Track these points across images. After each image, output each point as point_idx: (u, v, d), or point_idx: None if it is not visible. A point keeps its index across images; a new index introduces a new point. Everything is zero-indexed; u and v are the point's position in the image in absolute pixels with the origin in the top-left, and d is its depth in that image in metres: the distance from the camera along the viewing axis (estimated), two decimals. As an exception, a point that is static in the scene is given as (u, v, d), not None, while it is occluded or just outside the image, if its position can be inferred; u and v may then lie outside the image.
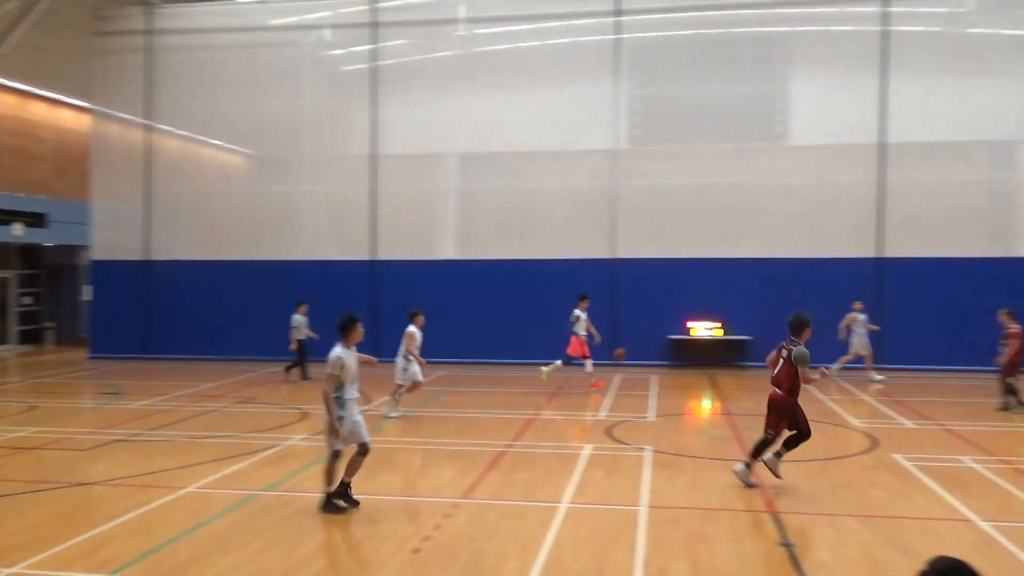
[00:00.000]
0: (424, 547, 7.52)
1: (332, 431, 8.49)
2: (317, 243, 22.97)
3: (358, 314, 8.97)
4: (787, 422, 9.46)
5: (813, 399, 15.99)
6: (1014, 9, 20.29)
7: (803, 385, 9.38)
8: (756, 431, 12.80)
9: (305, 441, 12.09)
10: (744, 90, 21.04)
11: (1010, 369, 14.48)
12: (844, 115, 20.55)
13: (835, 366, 18.24)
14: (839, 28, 20.89)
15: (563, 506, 8.78)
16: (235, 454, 11.17)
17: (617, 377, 19.07)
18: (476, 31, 22.58)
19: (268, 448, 11.59)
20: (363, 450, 8.67)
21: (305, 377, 18.15)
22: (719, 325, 20.59)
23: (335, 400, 8.50)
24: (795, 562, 7.13)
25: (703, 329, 20.66)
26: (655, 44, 21.88)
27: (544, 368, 17.21)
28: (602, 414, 14.48)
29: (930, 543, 7.53)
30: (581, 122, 21.39)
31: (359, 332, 8.79)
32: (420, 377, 14.16)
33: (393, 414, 14.01)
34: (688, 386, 17.89)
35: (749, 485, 9.42)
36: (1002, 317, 14.70)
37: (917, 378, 18.79)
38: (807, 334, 9.52)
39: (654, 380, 18.61)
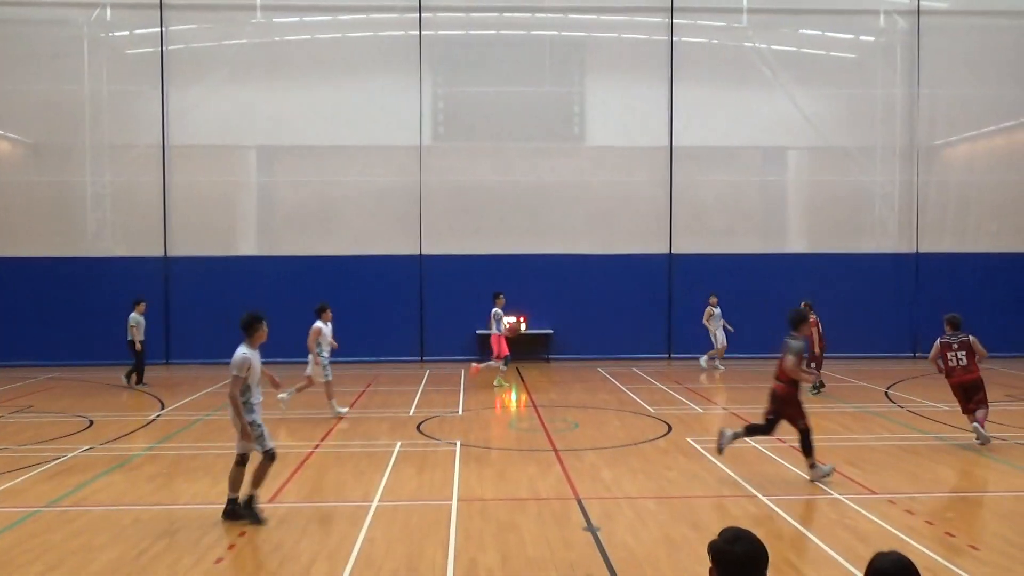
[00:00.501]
0: (228, 556, 7.19)
1: (245, 435, 8.12)
2: (101, 238, 21.32)
3: (262, 312, 8.42)
4: (788, 413, 9.63)
5: (613, 388, 16.79)
6: (782, 27, 22.27)
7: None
8: (562, 422, 13.31)
9: (91, 452, 11.20)
10: (545, 91, 21.68)
11: (817, 356, 15.89)
12: (637, 119, 21.69)
13: (704, 358, 19.78)
14: (631, 36, 22.05)
15: (374, 505, 8.68)
16: (10, 468, 10.18)
17: (426, 373, 19.11)
18: (274, 20, 21.81)
19: (48, 461, 10.63)
20: (270, 456, 8.25)
21: (140, 381, 16.89)
22: (524, 319, 21.08)
23: (243, 405, 8.07)
24: (600, 545, 7.44)
25: (510, 323, 21.05)
26: (458, 42, 22.12)
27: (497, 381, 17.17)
28: (411, 411, 14.45)
29: (720, 518, 8.10)
30: (384, 117, 21.22)
31: (263, 332, 8.29)
32: (309, 372, 13.76)
33: (342, 410, 13.84)
34: (495, 380, 18.22)
35: (826, 474, 9.44)
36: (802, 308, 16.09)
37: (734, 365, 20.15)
38: (805, 329, 9.79)
39: (462, 375, 18.81)
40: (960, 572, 6.71)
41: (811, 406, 14.57)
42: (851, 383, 17.57)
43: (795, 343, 9.56)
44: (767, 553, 3.38)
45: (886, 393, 16.15)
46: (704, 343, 20.12)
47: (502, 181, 21.68)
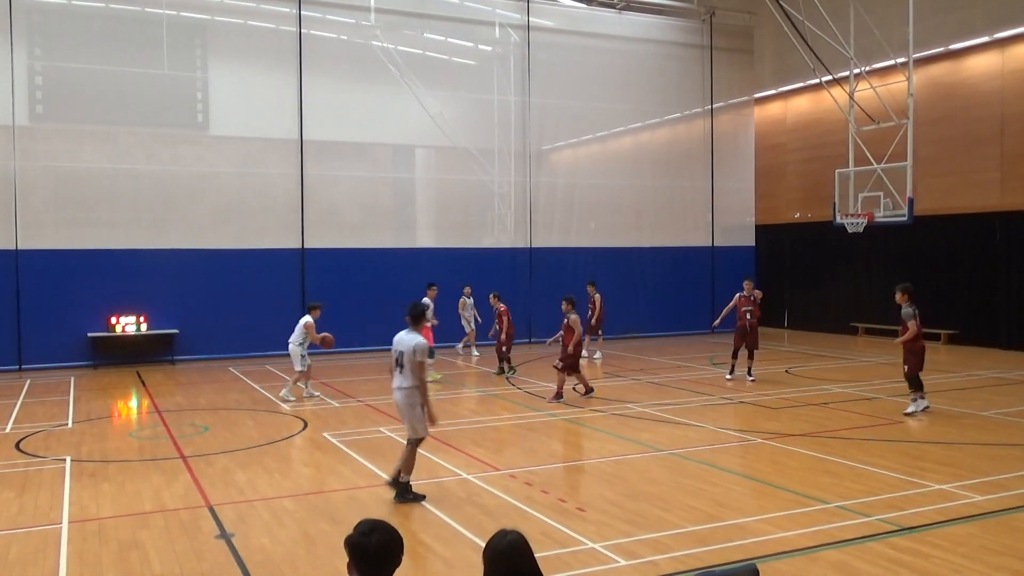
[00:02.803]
0: None
1: (431, 419, 8.63)
2: None
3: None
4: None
5: (245, 387, 16.19)
6: (407, 29, 23.03)
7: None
8: (190, 426, 12.54)
9: None
10: (162, 74, 20.11)
11: (507, 341, 17.35)
12: (266, 109, 21.07)
13: (459, 345, 20.27)
14: (258, 24, 21.30)
15: (-39, 540, 7.48)
16: None
17: (26, 383, 16.87)
18: None
19: None
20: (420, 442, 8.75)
21: None
22: (144, 319, 19.51)
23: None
24: (235, 552, 7.15)
25: (128, 324, 19.37)
26: (57, 11, 19.69)
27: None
28: (8, 427, 12.67)
29: (357, 510, 8.20)
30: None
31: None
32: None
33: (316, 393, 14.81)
34: (112, 386, 16.65)
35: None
36: (491, 300, 17.92)
37: (339, 360, 20.24)
38: None
39: (73, 382, 16.91)
40: (571, 533, 7.50)
41: (436, 394, 15.35)
42: (475, 369, 18.77)
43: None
44: (401, 540, 3.50)
45: (507, 377, 17.47)
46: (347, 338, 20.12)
47: (116, 169, 19.79)
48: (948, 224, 22.21)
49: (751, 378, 16.17)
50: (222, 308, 20.32)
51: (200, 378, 17.76)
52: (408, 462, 8.63)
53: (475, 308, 20.79)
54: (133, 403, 15.19)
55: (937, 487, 8.88)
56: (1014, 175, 20.96)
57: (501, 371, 17.48)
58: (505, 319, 17.50)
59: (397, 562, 3.48)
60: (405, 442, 8.79)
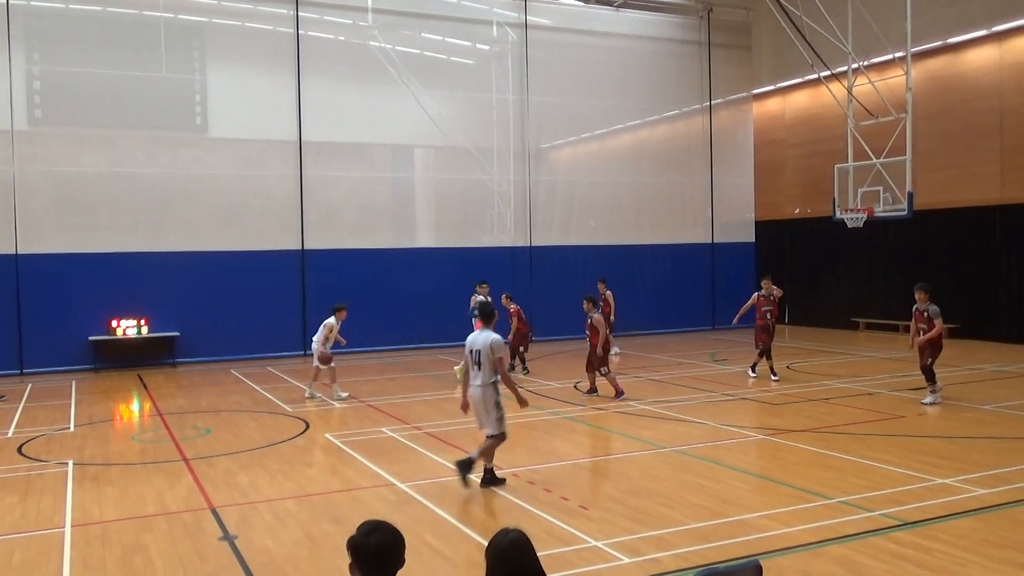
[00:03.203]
0: None
1: (520, 402, 9.06)
2: None
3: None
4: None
5: (247, 389, 16.20)
6: (405, 29, 23.01)
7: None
8: (192, 429, 12.55)
9: None
10: (161, 77, 20.09)
11: (520, 340, 17.31)
12: (265, 111, 21.06)
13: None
14: (256, 25, 21.28)
15: (-36, 545, 7.49)
16: None
17: (27, 387, 16.89)
18: None
19: None
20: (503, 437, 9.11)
21: None
22: (145, 322, 19.52)
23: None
24: (238, 553, 7.15)
25: (129, 328, 19.38)
26: (55, 15, 19.67)
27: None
28: (10, 431, 12.67)
29: (359, 510, 8.20)
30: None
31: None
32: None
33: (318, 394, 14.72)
34: (114, 389, 16.66)
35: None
36: (503, 300, 17.71)
37: (339, 360, 20.17)
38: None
39: (74, 386, 16.92)
40: (573, 530, 7.50)
41: (438, 393, 15.36)
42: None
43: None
44: (402, 540, 3.50)
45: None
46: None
47: (115, 172, 19.79)
48: (948, 218, 22.19)
49: (775, 377, 15.83)
50: (223, 310, 20.32)
51: (201, 380, 17.76)
52: (488, 453, 9.05)
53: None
54: (135, 406, 15.20)
55: (939, 481, 8.87)
56: (1014, 168, 20.94)
57: (524, 370, 17.54)
58: (516, 319, 17.54)
59: (399, 562, 3.48)
60: (485, 436, 9.13)
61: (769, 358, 16.16)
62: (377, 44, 22.08)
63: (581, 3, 25.18)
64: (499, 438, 9.03)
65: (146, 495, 9.01)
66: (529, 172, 24.05)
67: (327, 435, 11.85)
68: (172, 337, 19.83)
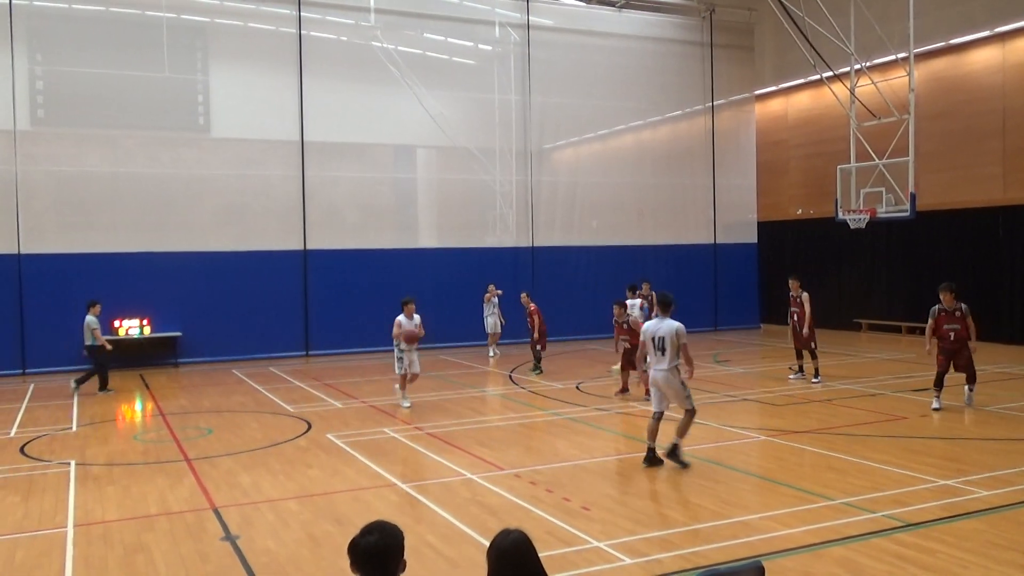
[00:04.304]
0: None
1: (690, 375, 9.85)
2: None
3: None
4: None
5: (249, 389, 16.20)
6: (407, 29, 23.01)
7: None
8: (194, 429, 12.56)
9: None
10: (163, 77, 20.11)
11: (540, 339, 17.50)
12: (267, 111, 21.06)
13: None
14: (258, 25, 21.29)
15: (-33, 544, 7.49)
16: None
17: (29, 387, 16.90)
18: None
19: None
20: (691, 413, 9.82)
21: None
22: (147, 322, 19.54)
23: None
24: (240, 554, 7.15)
25: (131, 328, 19.40)
26: (58, 15, 19.68)
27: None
28: (12, 431, 12.69)
29: (361, 511, 8.21)
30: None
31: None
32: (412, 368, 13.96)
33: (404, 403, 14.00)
34: (116, 389, 16.66)
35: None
36: (523, 299, 18.25)
37: (342, 361, 20.27)
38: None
39: (73, 387, 16.91)
40: (575, 531, 7.50)
41: (441, 394, 15.36)
42: (477, 368, 18.78)
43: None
44: (400, 541, 3.50)
45: (510, 376, 17.48)
46: (338, 339, 20.20)
47: (117, 172, 19.81)
48: (951, 219, 22.17)
49: (816, 379, 15.69)
50: (225, 310, 20.33)
51: (203, 381, 17.78)
52: (685, 428, 9.82)
53: (499, 307, 20.69)
54: (137, 406, 15.20)
55: (942, 483, 8.86)
56: (1016, 169, 20.91)
57: (537, 369, 17.57)
58: (536, 318, 17.56)
59: (398, 563, 3.48)
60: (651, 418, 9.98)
61: (799, 357, 16.19)
62: (379, 44, 22.07)
63: (583, 3, 25.17)
64: (693, 413, 9.81)
65: (148, 495, 9.02)
66: (531, 172, 24.04)
67: (329, 435, 11.85)
68: (174, 337, 19.85)
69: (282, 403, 14.66)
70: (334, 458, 10.57)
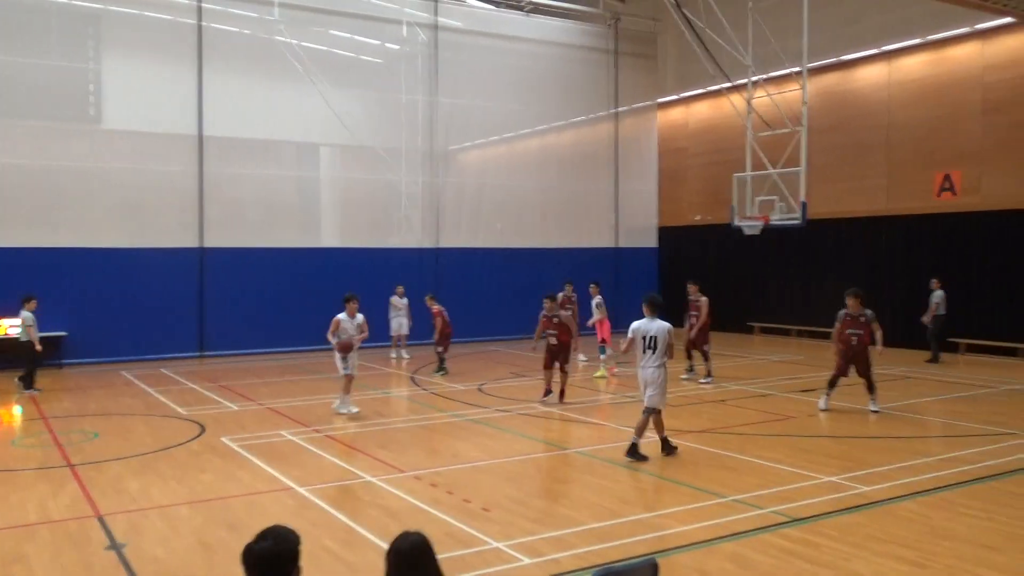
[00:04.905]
0: None
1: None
2: None
3: None
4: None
5: (139, 391, 15.60)
6: (313, 26, 22.58)
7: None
8: (78, 433, 12.00)
9: None
10: (52, 66, 19.19)
11: (442, 341, 17.50)
12: (163, 104, 20.32)
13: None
14: (155, 15, 20.54)
15: None
16: None
17: None
18: None
19: None
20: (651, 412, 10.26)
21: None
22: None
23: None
24: (126, 563, 6.87)
25: (12, 327, 18.36)
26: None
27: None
28: None
29: (257, 516, 8.00)
30: None
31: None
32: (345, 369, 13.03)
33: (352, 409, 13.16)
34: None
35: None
36: (427, 301, 18.12)
37: (239, 362, 19.74)
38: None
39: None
40: (475, 533, 7.50)
41: (318, 396, 15.13)
42: (379, 370, 18.59)
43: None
44: (295, 546, 3.43)
45: (412, 378, 17.37)
46: (234, 339, 19.69)
47: (2, 163, 18.76)
48: (839, 227, 23.18)
49: (704, 380, 16.21)
50: (115, 309, 19.53)
51: (90, 382, 17.03)
52: (652, 425, 10.25)
53: (408, 308, 20.36)
54: (16, 409, 14.43)
55: (827, 479, 9.24)
56: (899, 181, 22.04)
57: (442, 371, 17.50)
58: (440, 320, 17.48)
59: (294, 568, 3.40)
60: (642, 412, 10.27)
61: (689, 357, 16.77)
62: (283, 39, 21.59)
63: (491, 7, 25.26)
64: (658, 413, 10.25)
65: (27, 503, 8.57)
66: (437, 173, 23.97)
67: (223, 439, 11.52)
68: (59, 337, 18.92)
69: (174, 405, 14.16)
70: (228, 462, 10.28)
